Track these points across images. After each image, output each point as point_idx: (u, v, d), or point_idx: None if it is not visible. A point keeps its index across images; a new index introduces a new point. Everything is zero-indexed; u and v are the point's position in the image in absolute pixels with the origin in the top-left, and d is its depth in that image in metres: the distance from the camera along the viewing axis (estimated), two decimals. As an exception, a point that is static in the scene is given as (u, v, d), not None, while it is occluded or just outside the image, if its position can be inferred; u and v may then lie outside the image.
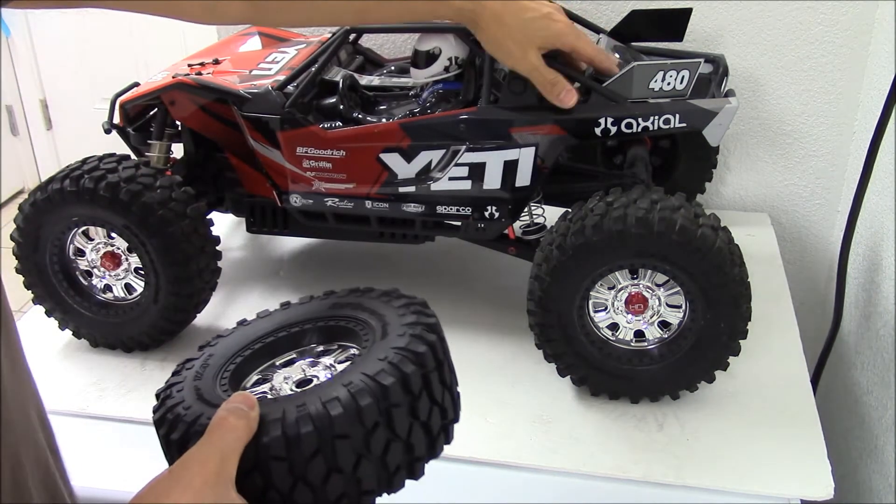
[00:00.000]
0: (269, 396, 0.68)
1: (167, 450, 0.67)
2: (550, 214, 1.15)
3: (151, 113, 1.26)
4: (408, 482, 0.65)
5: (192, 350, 1.19)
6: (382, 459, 0.62)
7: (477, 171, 1.09)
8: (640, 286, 1.01)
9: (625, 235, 0.95)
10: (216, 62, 1.27)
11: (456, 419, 0.71)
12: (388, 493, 0.64)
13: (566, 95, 1.01)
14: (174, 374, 0.73)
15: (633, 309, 1.02)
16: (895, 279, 1.21)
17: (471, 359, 1.15)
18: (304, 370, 0.72)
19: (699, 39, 1.43)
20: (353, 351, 0.73)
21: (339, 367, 0.70)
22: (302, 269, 1.38)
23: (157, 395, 0.70)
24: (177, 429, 0.65)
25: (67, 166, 1.11)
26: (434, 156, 1.10)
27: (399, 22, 1.18)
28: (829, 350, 1.39)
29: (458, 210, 1.13)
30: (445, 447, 0.69)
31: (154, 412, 0.69)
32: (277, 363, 0.74)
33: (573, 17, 1.31)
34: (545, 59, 1.01)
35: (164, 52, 2.79)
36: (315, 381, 0.69)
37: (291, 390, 0.68)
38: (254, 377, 0.73)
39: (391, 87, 1.25)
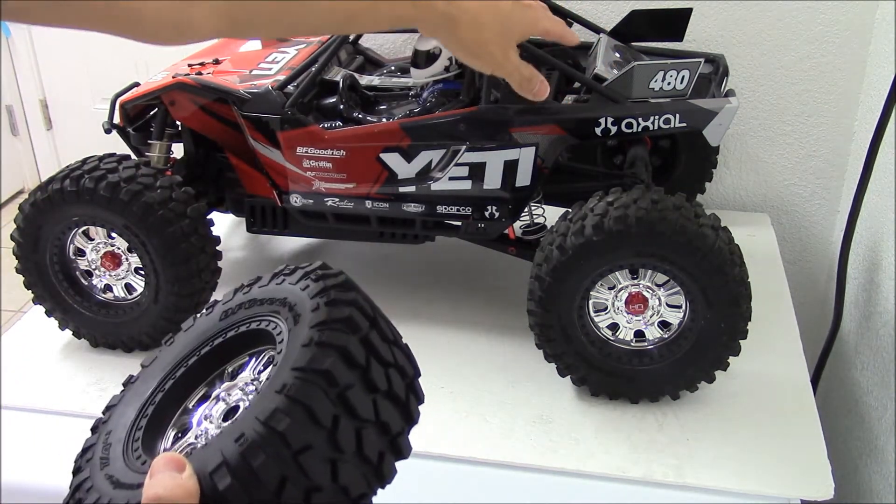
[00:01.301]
0: (200, 445, 0.56)
1: None
2: (550, 214, 1.15)
3: (151, 113, 1.26)
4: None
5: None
6: (360, 454, 0.52)
7: (477, 171, 1.09)
8: (640, 286, 1.01)
9: (625, 235, 0.95)
10: (216, 62, 1.27)
11: (417, 374, 0.60)
12: (384, 487, 0.54)
13: (541, 88, 0.93)
14: (75, 472, 0.60)
15: (633, 309, 1.02)
16: (895, 279, 1.21)
17: (471, 359, 1.15)
18: (223, 400, 0.60)
19: (699, 39, 1.43)
20: (269, 353, 0.61)
21: (263, 377, 0.59)
22: (302, 269, 1.38)
23: None
24: None
25: (67, 166, 1.11)
26: (434, 156, 1.10)
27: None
28: (829, 350, 1.39)
29: (458, 210, 1.13)
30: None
31: None
32: (190, 406, 0.63)
33: (573, 17, 1.31)
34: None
35: (164, 52, 2.80)
36: (242, 406, 0.58)
37: (220, 426, 0.57)
38: (171, 433, 0.61)
39: (391, 87, 1.25)
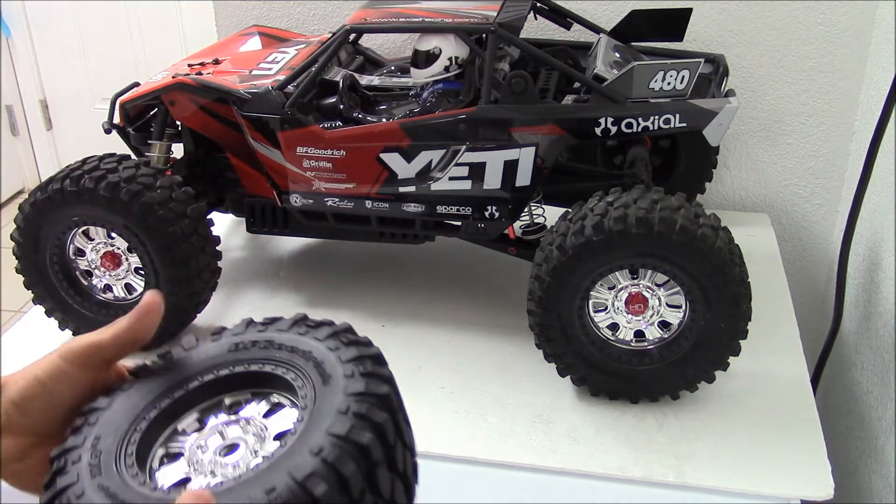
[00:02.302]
0: (213, 483, 0.57)
1: None
2: (550, 214, 1.15)
3: (151, 113, 1.26)
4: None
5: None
6: None
7: (477, 171, 1.09)
8: (640, 286, 1.01)
9: (625, 235, 0.95)
10: (216, 62, 1.27)
11: (415, 454, 0.63)
12: None
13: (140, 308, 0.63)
14: (58, 471, 0.58)
15: (633, 309, 1.02)
16: (895, 279, 1.21)
17: (471, 359, 1.15)
18: (220, 433, 0.61)
19: (699, 39, 1.43)
20: (276, 399, 0.62)
21: (265, 423, 0.60)
22: (302, 269, 1.38)
23: None
24: None
25: (67, 166, 1.11)
26: (434, 156, 1.10)
27: None
28: (829, 350, 1.39)
29: (458, 210, 1.13)
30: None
31: None
32: (180, 428, 0.62)
33: (573, 17, 1.31)
34: None
35: (164, 52, 2.80)
36: (242, 445, 0.59)
37: (216, 461, 0.59)
38: (158, 452, 0.61)
39: (391, 87, 1.25)
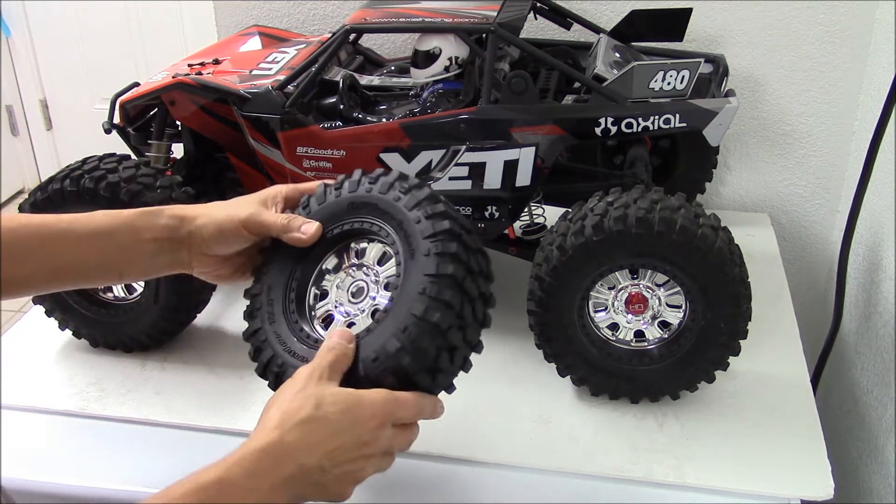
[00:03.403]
0: (341, 314, 0.85)
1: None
2: (550, 214, 1.15)
3: (151, 113, 1.26)
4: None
5: (192, 350, 1.19)
6: (475, 318, 0.79)
7: (477, 171, 1.09)
8: (641, 286, 1.01)
9: (625, 235, 0.95)
10: (216, 62, 1.27)
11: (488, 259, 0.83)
12: (486, 327, 0.81)
13: (306, 228, 0.86)
14: (251, 313, 0.86)
15: (633, 309, 1.02)
16: (895, 279, 1.21)
17: (470, 358, 1.15)
18: (351, 275, 0.86)
19: (699, 39, 1.43)
20: (378, 245, 0.86)
21: (381, 270, 0.85)
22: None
23: (252, 351, 0.84)
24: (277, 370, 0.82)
25: (67, 166, 1.11)
26: (434, 156, 1.10)
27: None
28: (829, 350, 1.39)
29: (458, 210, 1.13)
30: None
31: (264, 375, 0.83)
32: (324, 268, 0.87)
33: (573, 17, 1.31)
34: None
35: (164, 52, 2.80)
36: (365, 289, 0.85)
37: (349, 300, 0.85)
38: (312, 291, 0.86)
39: (391, 87, 1.25)
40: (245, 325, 0.87)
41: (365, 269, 0.86)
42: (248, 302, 0.88)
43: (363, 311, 0.84)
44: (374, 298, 0.84)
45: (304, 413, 0.72)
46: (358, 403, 0.74)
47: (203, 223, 0.86)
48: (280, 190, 0.90)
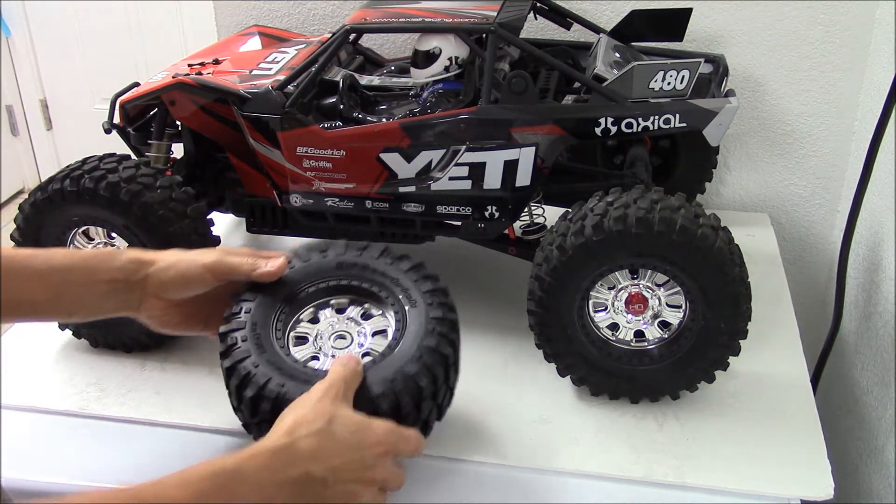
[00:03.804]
0: (326, 356, 0.90)
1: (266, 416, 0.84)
2: (550, 214, 1.15)
3: (151, 113, 1.26)
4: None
5: (192, 350, 1.18)
6: (455, 367, 0.93)
7: (477, 171, 1.09)
8: (640, 286, 1.01)
9: (625, 235, 0.95)
10: (216, 62, 1.27)
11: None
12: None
13: (272, 263, 0.92)
14: (230, 347, 0.87)
15: (633, 309, 1.02)
16: (895, 279, 1.21)
17: (471, 359, 1.15)
18: (333, 325, 0.93)
19: (699, 39, 1.43)
20: (368, 307, 0.94)
21: (365, 323, 0.93)
22: (302, 269, 1.38)
23: (239, 382, 0.85)
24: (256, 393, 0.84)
25: (67, 166, 1.11)
26: (434, 156, 1.10)
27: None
28: (829, 350, 1.39)
29: (458, 210, 1.13)
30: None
31: (246, 404, 0.85)
32: (301, 318, 0.93)
33: (573, 17, 1.31)
34: None
35: (164, 52, 2.80)
36: (349, 337, 0.92)
37: (332, 346, 0.91)
38: (291, 335, 0.91)
39: (391, 87, 1.25)
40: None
41: (348, 319, 0.93)
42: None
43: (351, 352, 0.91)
44: (361, 345, 0.91)
45: (317, 426, 0.76)
46: (367, 428, 0.79)
47: (163, 267, 0.88)
48: (232, 250, 0.93)
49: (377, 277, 0.93)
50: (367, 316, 0.93)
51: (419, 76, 1.19)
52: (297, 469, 0.74)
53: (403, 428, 0.81)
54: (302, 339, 0.91)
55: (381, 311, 0.93)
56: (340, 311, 0.94)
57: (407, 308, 0.90)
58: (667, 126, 1.05)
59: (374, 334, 0.91)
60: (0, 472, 0.97)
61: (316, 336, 0.91)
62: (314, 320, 0.93)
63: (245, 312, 0.89)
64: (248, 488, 0.72)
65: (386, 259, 0.94)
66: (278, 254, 0.93)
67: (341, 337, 0.92)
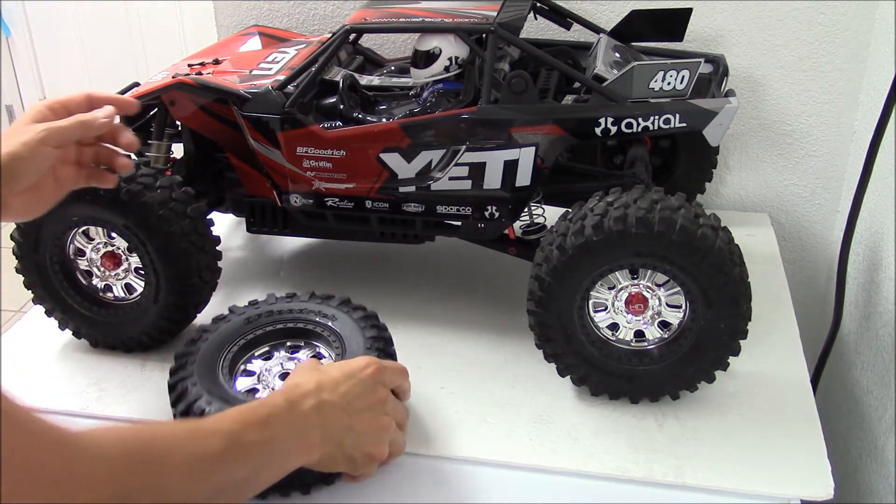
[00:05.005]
0: (266, 388, 0.97)
1: None
2: (550, 214, 1.15)
3: (151, 113, 1.26)
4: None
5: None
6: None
7: (477, 171, 1.09)
8: (640, 286, 1.01)
9: (625, 235, 0.95)
10: (216, 62, 1.27)
11: None
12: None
13: (102, 114, 0.94)
14: (177, 381, 0.96)
15: (633, 309, 1.02)
16: (895, 279, 1.21)
17: (471, 359, 1.15)
18: (282, 364, 1.00)
19: (699, 39, 1.43)
20: (317, 346, 1.02)
21: (299, 354, 1.02)
22: (302, 269, 1.38)
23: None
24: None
25: (67, 166, 1.10)
26: (434, 156, 1.10)
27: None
28: (829, 350, 1.39)
29: (458, 210, 1.13)
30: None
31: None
32: (256, 354, 1.02)
33: (573, 17, 1.31)
34: None
35: (164, 52, 2.79)
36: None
37: (276, 382, 0.98)
38: (239, 368, 0.99)
39: (391, 87, 1.25)
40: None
41: (296, 361, 1.01)
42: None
43: None
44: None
45: (307, 367, 0.88)
46: (349, 361, 0.90)
47: (6, 164, 0.87)
48: (40, 109, 0.93)
49: (310, 317, 1.03)
50: (296, 349, 1.03)
51: (419, 76, 1.19)
52: (311, 399, 0.81)
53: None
54: (249, 373, 1.00)
55: (328, 352, 1.02)
56: (268, 358, 1.02)
57: (343, 335, 1.00)
58: (667, 126, 1.05)
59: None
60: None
61: (264, 371, 1.00)
62: (268, 357, 1.02)
63: (193, 353, 0.99)
64: (281, 420, 0.78)
65: (315, 300, 1.05)
66: (102, 108, 0.94)
67: (285, 375, 0.99)
